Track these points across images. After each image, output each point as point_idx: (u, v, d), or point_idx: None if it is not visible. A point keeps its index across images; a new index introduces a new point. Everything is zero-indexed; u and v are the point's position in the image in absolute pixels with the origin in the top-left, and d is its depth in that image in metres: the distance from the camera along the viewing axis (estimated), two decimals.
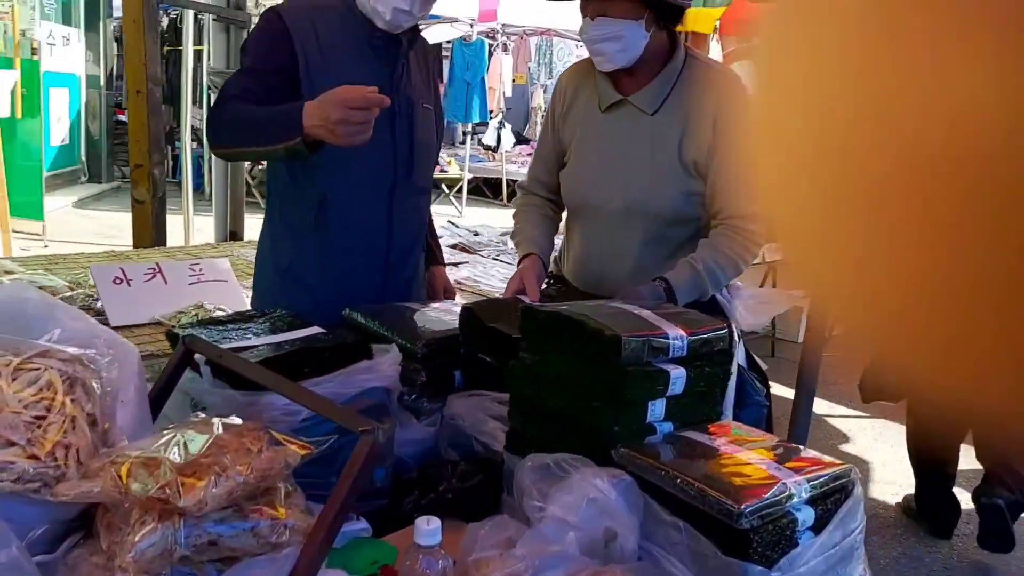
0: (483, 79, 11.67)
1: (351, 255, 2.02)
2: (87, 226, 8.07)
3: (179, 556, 0.98)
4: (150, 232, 4.09)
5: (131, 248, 4.07)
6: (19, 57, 6.39)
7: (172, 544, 0.97)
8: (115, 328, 2.53)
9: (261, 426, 1.12)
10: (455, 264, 3.96)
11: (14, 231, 6.83)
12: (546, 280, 2.24)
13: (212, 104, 2.01)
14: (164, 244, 4.18)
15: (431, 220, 2.33)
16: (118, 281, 2.59)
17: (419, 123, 2.04)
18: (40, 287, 2.75)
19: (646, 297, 1.90)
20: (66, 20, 9.79)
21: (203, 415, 1.44)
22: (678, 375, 1.40)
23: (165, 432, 1.09)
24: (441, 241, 4.44)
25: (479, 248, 4.52)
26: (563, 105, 2.19)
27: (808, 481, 1.21)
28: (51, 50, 8.31)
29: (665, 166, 2.02)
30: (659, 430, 1.40)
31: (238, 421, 1.11)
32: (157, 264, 2.69)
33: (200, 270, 2.76)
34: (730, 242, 1.99)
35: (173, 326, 2.15)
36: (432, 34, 12.41)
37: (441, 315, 1.85)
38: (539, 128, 13.06)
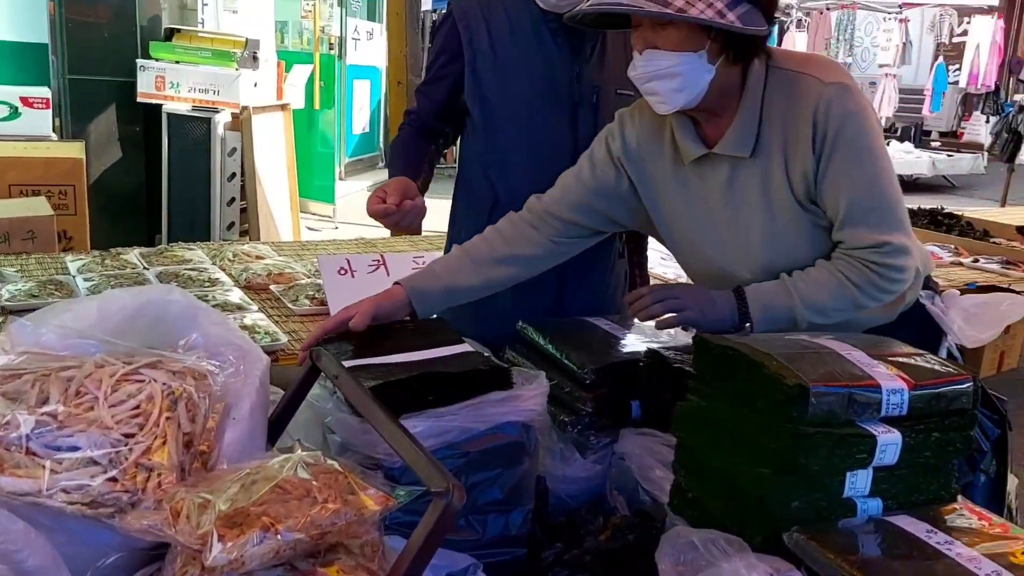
0: None
1: None
2: None
3: None
4: None
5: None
6: (318, 52, 6.97)
7: None
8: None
9: (347, 467, 0.98)
10: None
11: (311, 212, 7.50)
12: None
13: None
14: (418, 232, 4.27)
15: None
16: (343, 272, 2.63)
17: (607, 112, 1.79)
18: (280, 273, 2.89)
19: (717, 307, 1.48)
20: (371, 16, 10.58)
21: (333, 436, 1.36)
22: (889, 441, 1.07)
23: (252, 464, 1.00)
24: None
25: None
26: (634, 152, 1.63)
27: None
28: (355, 44, 9.00)
29: (786, 214, 1.51)
30: (860, 509, 1.09)
31: (324, 460, 0.99)
32: (381, 256, 2.69)
33: (424, 263, 2.74)
34: (848, 267, 1.47)
35: None
36: None
37: (635, 338, 1.61)
38: None
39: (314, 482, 0.93)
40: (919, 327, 1.60)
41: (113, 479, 0.98)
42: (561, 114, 1.81)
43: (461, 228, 1.99)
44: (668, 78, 1.43)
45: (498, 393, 1.24)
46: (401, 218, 1.76)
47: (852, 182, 1.44)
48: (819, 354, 1.14)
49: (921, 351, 1.22)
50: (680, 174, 1.58)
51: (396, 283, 1.55)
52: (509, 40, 1.83)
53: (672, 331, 1.57)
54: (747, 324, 1.47)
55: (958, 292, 1.63)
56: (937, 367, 1.16)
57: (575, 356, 1.48)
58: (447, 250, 2.00)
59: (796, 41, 11.23)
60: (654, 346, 1.50)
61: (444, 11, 1.93)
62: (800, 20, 11.56)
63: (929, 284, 1.66)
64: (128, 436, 1.02)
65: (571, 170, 1.68)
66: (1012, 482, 1.67)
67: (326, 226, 7.36)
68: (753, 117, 1.49)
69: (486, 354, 1.35)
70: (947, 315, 1.58)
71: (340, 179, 7.69)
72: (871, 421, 1.08)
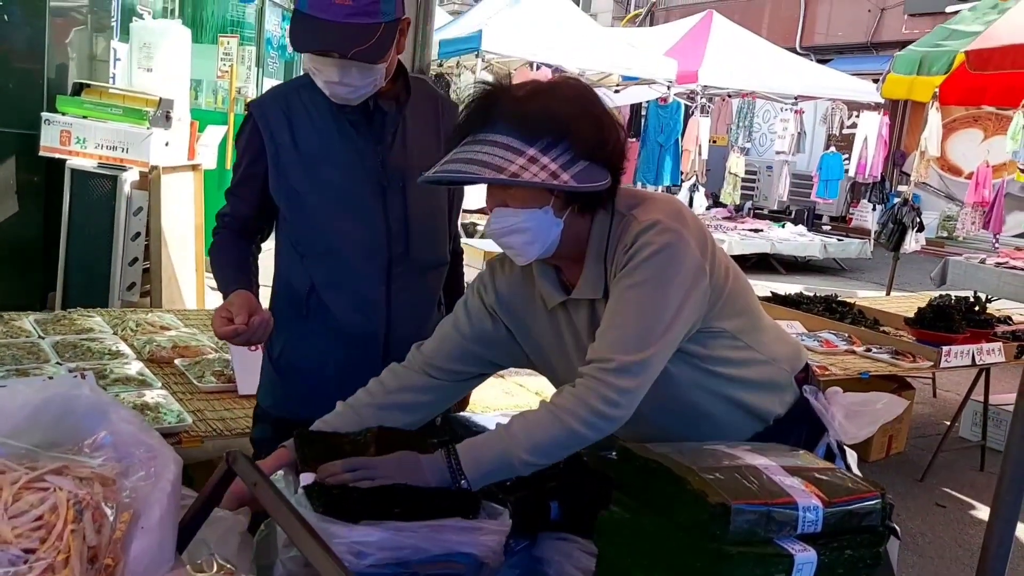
0: (677, 141, 11.41)
1: (344, 342, 1.91)
2: None
3: None
4: None
5: None
6: (232, 113, 6.89)
7: None
8: (242, 396, 2.52)
9: None
10: None
11: None
12: None
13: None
14: None
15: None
16: (253, 348, 2.56)
17: (414, 195, 1.87)
18: (186, 346, 2.80)
19: (424, 473, 1.37)
20: (287, 77, 10.54)
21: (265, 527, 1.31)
22: (806, 560, 1.10)
23: None
24: None
25: None
26: (504, 296, 1.66)
27: None
28: None
29: None
30: None
31: None
32: None
33: None
34: (565, 399, 1.40)
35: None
36: (627, 96, 12.36)
37: None
38: (733, 192, 12.57)
39: None
40: (808, 424, 1.65)
41: None
42: (372, 199, 1.86)
43: (279, 317, 1.95)
44: (519, 233, 1.47)
45: (460, 520, 1.24)
46: (251, 336, 1.78)
47: (614, 304, 1.45)
48: (738, 469, 1.18)
49: (831, 465, 1.27)
50: (551, 316, 1.60)
51: (282, 446, 1.54)
52: (312, 132, 1.87)
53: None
54: (462, 481, 1.36)
55: (840, 389, 1.70)
56: (849, 483, 1.20)
57: None
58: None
59: (700, 126, 11.73)
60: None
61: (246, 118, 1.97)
62: (704, 106, 12.09)
63: (811, 379, 1.71)
64: (28, 551, 0.96)
65: (447, 319, 1.70)
66: None
67: None
68: (599, 261, 1.52)
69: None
70: (828, 411, 1.64)
71: None
72: (787, 539, 1.11)
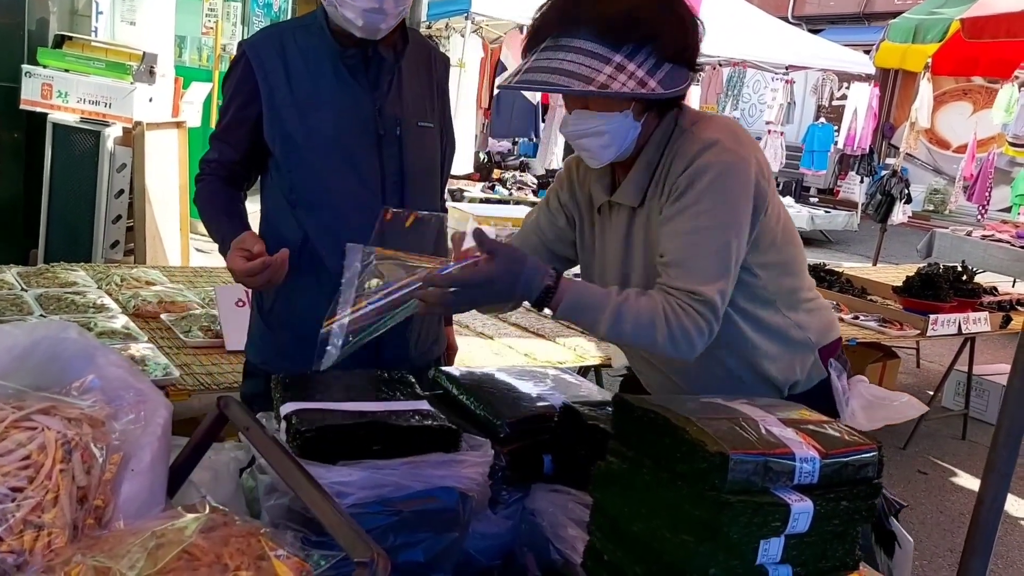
0: None
1: (335, 294, 1.85)
2: None
3: None
4: None
5: None
6: (217, 70, 6.78)
7: None
8: (230, 352, 2.49)
9: (259, 528, 0.93)
10: None
11: (201, 233, 7.23)
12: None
13: (195, 177, 1.96)
14: None
15: None
16: (240, 304, 2.54)
17: (411, 144, 1.84)
18: (172, 301, 2.76)
19: (521, 271, 1.38)
20: None
21: (248, 477, 1.29)
22: (802, 510, 1.09)
23: (153, 523, 0.93)
24: None
25: None
26: (568, 198, 1.74)
27: None
28: None
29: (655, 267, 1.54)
30: None
31: (231, 519, 0.93)
32: None
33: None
34: (669, 308, 1.43)
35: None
36: None
37: (550, 391, 1.60)
38: None
39: (224, 547, 0.88)
40: (823, 404, 1.64)
41: None
42: (367, 147, 1.81)
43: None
44: (596, 136, 1.50)
45: (440, 455, 1.22)
46: (274, 272, 1.72)
47: (678, 228, 1.46)
48: (736, 420, 1.16)
49: (828, 418, 1.26)
50: (598, 216, 1.68)
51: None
52: (307, 76, 1.81)
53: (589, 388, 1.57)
54: (547, 304, 1.42)
55: (865, 379, 1.70)
56: (845, 436, 1.20)
57: (492, 407, 1.46)
58: (253, 299, 2.02)
59: (691, 94, 11.66)
60: (569, 400, 1.50)
61: (236, 54, 1.87)
62: (698, 78, 12.03)
63: (840, 358, 1.71)
64: (16, 490, 0.94)
65: (529, 221, 1.81)
66: None
67: (216, 247, 7.11)
68: (647, 170, 1.55)
69: (441, 415, 1.32)
70: (844, 395, 1.64)
71: None
72: (784, 489, 1.11)
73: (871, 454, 1.18)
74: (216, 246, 1.88)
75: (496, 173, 11.00)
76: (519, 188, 10.68)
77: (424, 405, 1.35)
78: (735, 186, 1.47)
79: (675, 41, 1.45)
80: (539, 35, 1.48)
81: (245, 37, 8.42)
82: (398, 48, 1.87)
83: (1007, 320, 4.48)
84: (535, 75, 1.43)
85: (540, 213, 1.78)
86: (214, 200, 1.90)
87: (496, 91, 9.88)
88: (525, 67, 1.45)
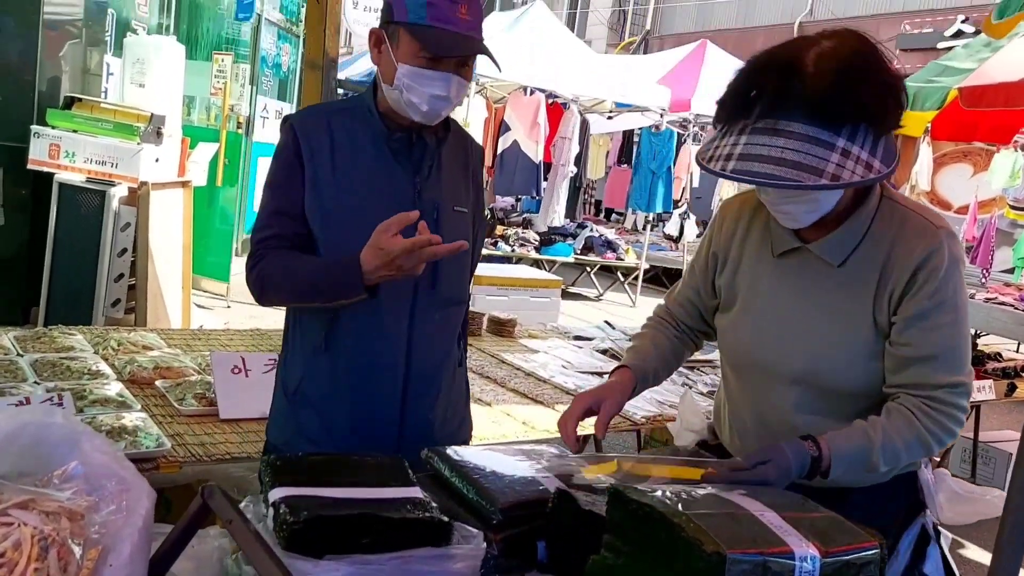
0: (669, 168, 11.44)
1: (363, 375, 1.82)
2: None
3: None
4: None
5: None
6: (225, 130, 6.86)
7: None
8: (223, 420, 2.46)
9: None
10: (599, 374, 3.67)
11: (204, 290, 7.25)
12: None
13: (249, 258, 1.84)
14: None
15: None
16: (236, 371, 2.52)
17: (446, 228, 1.81)
18: (168, 367, 2.74)
19: (789, 460, 1.46)
20: (281, 97, 10.52)
21: (234, 564, 1.26)
22: None
23: None
24: (591, 344, 4.15)
25: None
26: (727, 240, 1.78)
27: None
28: (263, 122, 8.91)
29: (854, 329, 1.58)
30: None
31: None
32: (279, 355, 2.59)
33: None
34: (926, 417, 1.52)
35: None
36: (620, 122, 12.40)
37: (543, 474, 1.56)
38: None
39: None
40: (907, 498, 1.69)
41: None
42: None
43: (296, 349, 1.90)
44: (805, 203, 1.50)
45: (431, 549, 1.18)
46: (431, 250, 1.63)
47: (937, 323, 1.52)
48: (734, 516, 1.14)
49: (830, 512, 1.23)
50: (765, 266, 1.69)
51: (623, 366, 1.78)
52: (351, 155, 1.80)
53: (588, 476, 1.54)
54: (820, 469, 1.49)
55: (948, 472, 1.69)
56: (847, 532, 1.17)
57: (482, 492, 1.43)
58: (283, 362, 1.95)
59: (692, 154, 11.76)
60: (563, 486, 1.46)
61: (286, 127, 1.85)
62: (696, 134, 12.13)
63: None
64: None
65: (683, 281, 1.91)
66: None
67: (218, 304, 7.11)
68: (858, 233, 1.58)
69: (433, 505, 1.29)
70: (931, 487, 1.64)
71: (236, 255, 7.47)
72: None
73: (873, 551, 1.15)
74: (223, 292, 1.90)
75: (499, 230, 11.07)
76: (521, 245, 10.73)
77: (417, 493, 1.32)
78: (962, 271, 1.56)
79: (889, 116, 1.43)
80: (744, 109, 1.42)
81: (254, 96, 8.57)
82: (440, 135, 1.89)
83: (1012, 388, 4.43)
84: (754, 164, 1.38)
85: (701, 259, 1.83)
86: (290, 262, 1.79)
87: (500, 150, 10.01)
88: (738, 152, 1.40)
